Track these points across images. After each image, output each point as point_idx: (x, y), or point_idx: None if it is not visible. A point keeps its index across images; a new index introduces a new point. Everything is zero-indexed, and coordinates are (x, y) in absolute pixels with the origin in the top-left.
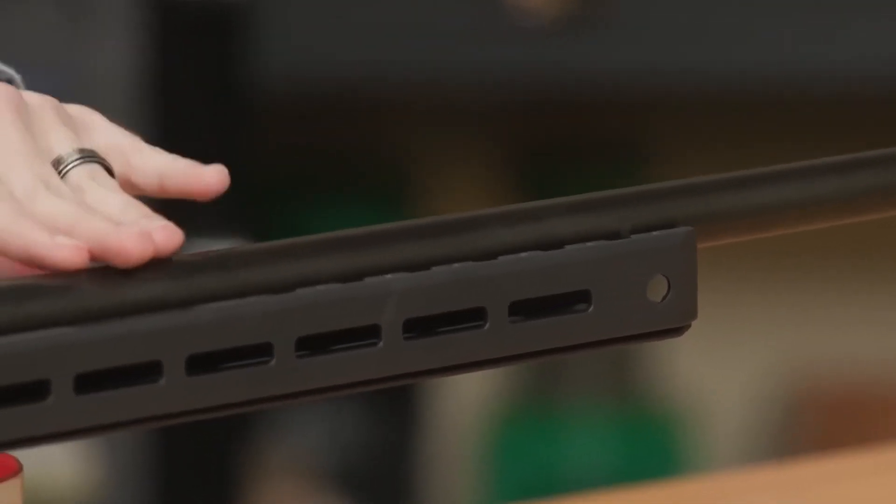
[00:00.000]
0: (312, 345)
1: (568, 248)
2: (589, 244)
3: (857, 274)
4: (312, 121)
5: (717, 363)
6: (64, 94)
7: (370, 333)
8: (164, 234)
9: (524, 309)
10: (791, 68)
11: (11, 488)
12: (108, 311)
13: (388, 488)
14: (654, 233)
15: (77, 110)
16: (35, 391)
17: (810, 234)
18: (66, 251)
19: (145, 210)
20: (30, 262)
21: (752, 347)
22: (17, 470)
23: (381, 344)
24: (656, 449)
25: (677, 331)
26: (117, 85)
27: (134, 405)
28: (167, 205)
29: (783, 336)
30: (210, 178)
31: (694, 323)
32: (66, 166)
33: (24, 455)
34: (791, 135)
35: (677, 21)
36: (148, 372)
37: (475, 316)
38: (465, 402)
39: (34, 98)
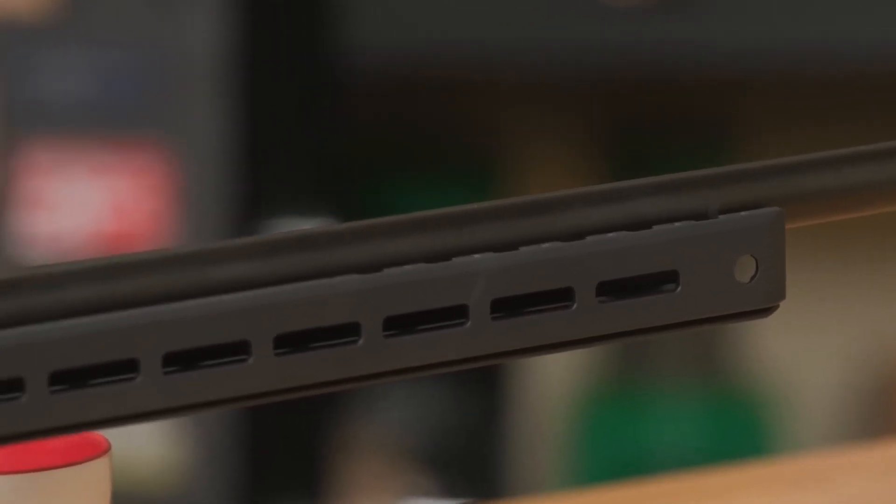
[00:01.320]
0: (400, 324)
1: (656, 228)
2: (677, 224)
3: None
4: (401, 99)
5: (806, 343)
6: (152, 72)
7: (457, 313)
8: None
9: (612, 289)
10: (887, 47)
11: (100, 467)
12: (195, 290)
13: (475, 468)
14: (743, 213)
15: None
16: (123, 370)
17: None
18: None
19: None
20: None
21: (840, 327)
22: (105, 449)
23: (468, 324)
24: (743, 429)
25: (765, 311)
26: (205, 63)
27: (221, 384)
28: (256, 186)
29: (872, 315)
30: None
31: (782, 303)
32: None
33: (112, 434)
34: (884, 114)
35: None
36: (236, 351)
37: (562, 296)
38: (552, 382)
39: None
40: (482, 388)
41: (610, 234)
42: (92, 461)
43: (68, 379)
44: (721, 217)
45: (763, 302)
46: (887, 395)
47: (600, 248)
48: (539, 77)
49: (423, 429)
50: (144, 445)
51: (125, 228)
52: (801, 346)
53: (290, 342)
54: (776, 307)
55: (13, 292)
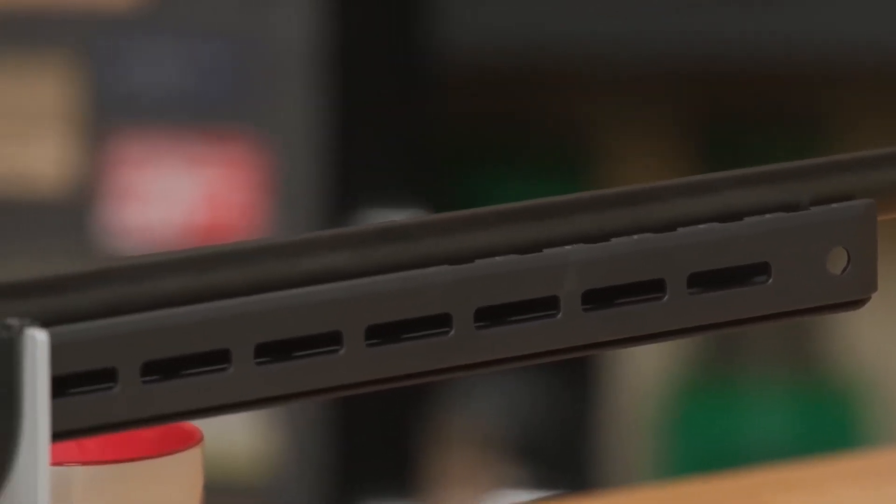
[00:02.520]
0: (491, 316)
1: (747, 219)
2: (768, 216)
3: None
4: (492, 90)
5: None
6: (245, 64)
7: (548, 305)
8: None
9: (703, 281)
10: None
11: (193, 457)
12: (287, 281)
13: (566, 459)
14: (834, 205)
15: None
16: (215, 361)
17: None
18: None
19: None
20: None
21: None
22: (198, 439)
23: (559, 315)
24: (834, 421)
25: (857, 303)
26: (298, 55)
27: (313, 375)
28: (348, 177)
29: None
30: None
31: (873, 295)
32: None
33: (204, 425)
34: None
35: None
36: (327, 342)
37: (654, 287)
38: (643, 373)
39: None
40: (573, 380)
41: (701, 226)
42: (184, 451)
43: (161, 369)
44: (813, 209)
45: (855, 294)
46: None
47: (692, 240)
48: (630, 68)
49: (515, 420)
50: (237, 436)
51: (217, 220)
52: (892, 337)
53: (382, 333)
54: (868, 299)
55: (106, 283)
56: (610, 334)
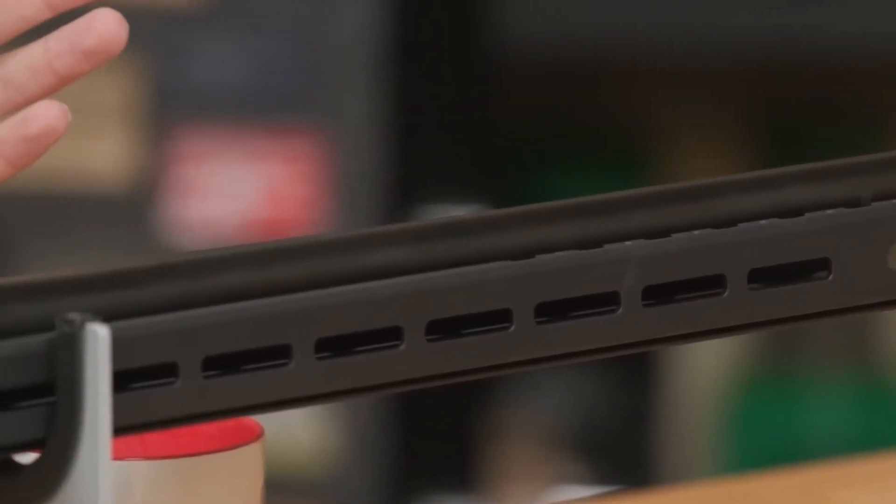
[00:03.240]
0: (551, 311)
1: (808, 215)
2: (829, 212)
3: None
4: (553, 85)
5: None
6: (307, 59)
7: (609, 300)
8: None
9: (763, 276)
10: None
11: (254, 452)
12: (348, 276)
13: (627, 454)
14: None
15: None
16: (276, 356)
17: None
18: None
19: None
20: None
21: None
22: (259, 434)
23: (619, 311)
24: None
25: None
26: (360, 50)
27: (374, 370)
28: (410, 173)
29: None
30: (101, 23)
31: None
32: None
33: (265, 420)
34: None
35: None
36: (388, 337)
37: (714, 283)
38: (704, 369)
39: None
40: (634, 375)
41: (762, 222)
42: (245, 446)
43: (221, 364)
44: (874, 204)
45: None
46: None
47: (752, 236)
48: (691, 63)
49: (575, 416)
50: (298, 431)
51: (279, 215)
52: None
53: (442, 328)
54: None
55: (168, 278)
56: (670, 330)
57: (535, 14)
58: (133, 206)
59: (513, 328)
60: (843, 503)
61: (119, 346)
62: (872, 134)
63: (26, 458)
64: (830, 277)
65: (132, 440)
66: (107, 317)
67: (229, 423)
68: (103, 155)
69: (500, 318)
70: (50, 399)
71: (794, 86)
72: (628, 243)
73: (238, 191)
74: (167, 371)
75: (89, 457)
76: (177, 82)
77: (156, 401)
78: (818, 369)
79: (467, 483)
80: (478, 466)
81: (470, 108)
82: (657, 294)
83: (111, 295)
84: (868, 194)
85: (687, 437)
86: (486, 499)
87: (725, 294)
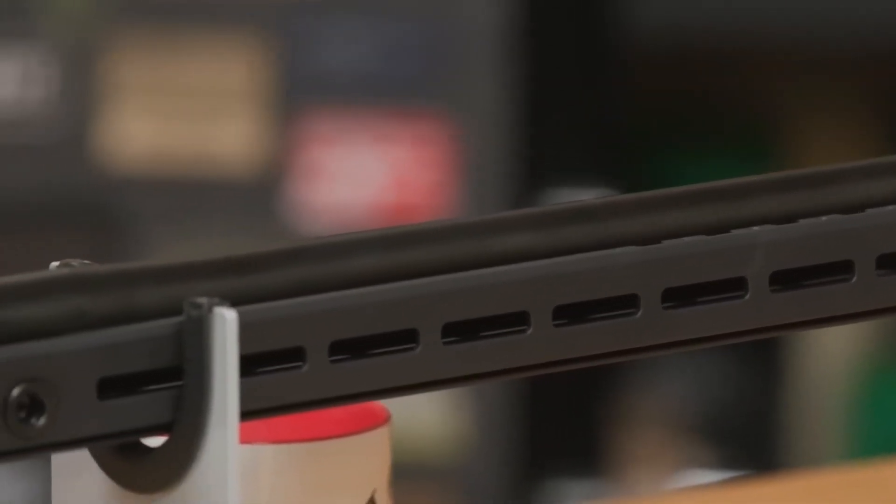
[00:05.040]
0: (678, 296)
1: None
2: None
3: None
4: (681, 71)
5: None
6: (435, 44)
7: (736, 286)
8: None
9: (892, 262)
10: None
11: (380, 437)
12: (475, 261)
13: (753, 440)
14: None
15: None
16: (403, 340)
17: None
18: None
19: None
20: None
21: None
22: (385, 419)
23: (747, 296)
24: None
25: None
26: (487, 36)
27: (500, 355)
28: (536, 157)
29: None
30: None
31: None
32: None
33: (392, 405)
34: None
35: None
36: (514, 322)
37: (842, 269)
38: (831, 354)
39: None
40: (760, 361)
41: (890, 207)
42: (372, 431)
43: (348, 349)
44: None
45: None
46: None
47: (880, 221)
48: (819, 49)
49: (701, 401)
50: (424, 417)
51: (405, 199)
52: None
53: (569, 313)
54: None
55: (294, 263)
56: (797, 315)
57: (662, 0)
58: (260, 190)
59: (639, 313)
60: None
61: (246, 331)
62: None
63: (155, 441)
64: None
65: (259, 424)
66: (234, 301)
67: (356, 408)
68: (231, 140)
69: (627, 303)
70: (178, 383)
71: None
72: (755, 228)
73: (364, 175)
74: (294, 356)
75: (217, 440)
76: (304, 67)
77: (282, 385)
78: None
79: (593, 467)
80: (604, 451)
81: (597, 93)
82: (784, 279)
83: (239, 280)
84: None
85: (813, 423)
86: (613, 483)
87: (853, 280)
